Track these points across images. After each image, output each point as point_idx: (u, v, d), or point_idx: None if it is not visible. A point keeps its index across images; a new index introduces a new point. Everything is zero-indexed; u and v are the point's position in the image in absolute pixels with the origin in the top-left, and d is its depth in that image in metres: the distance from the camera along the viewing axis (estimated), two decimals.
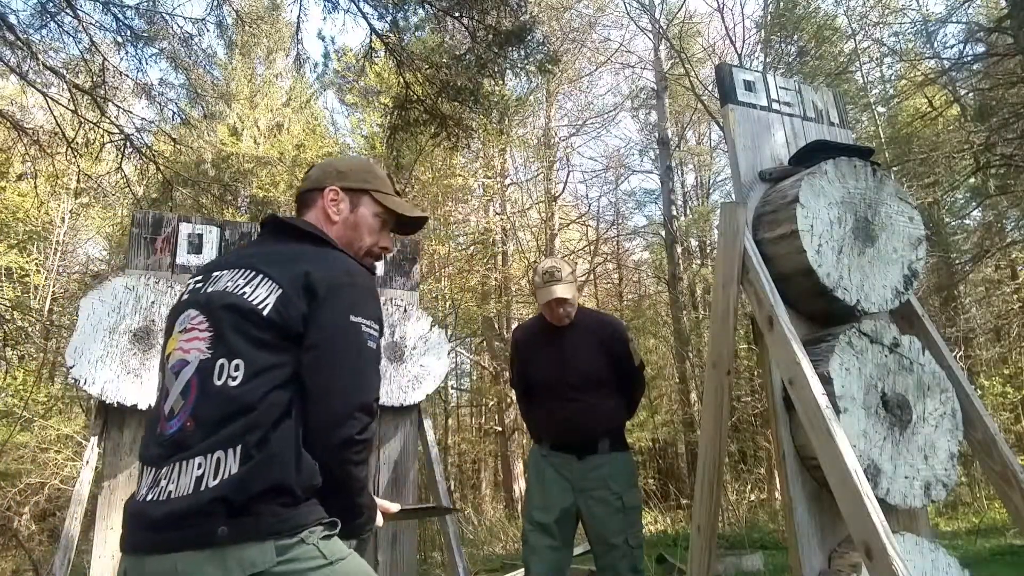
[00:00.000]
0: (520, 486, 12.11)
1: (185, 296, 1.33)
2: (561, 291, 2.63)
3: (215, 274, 1.31)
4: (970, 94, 9.66)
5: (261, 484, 1.10)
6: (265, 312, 1.19)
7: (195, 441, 1.14)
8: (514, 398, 3.51)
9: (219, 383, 1.16)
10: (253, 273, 1.25)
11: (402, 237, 2.73)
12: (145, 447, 1.24)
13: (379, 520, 1.40)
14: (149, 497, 1.15)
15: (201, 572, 1.06)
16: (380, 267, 3.44)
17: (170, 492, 1.13)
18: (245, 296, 1.22)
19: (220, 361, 1.18)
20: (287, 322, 1.19)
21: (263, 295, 1.21)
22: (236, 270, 1.28)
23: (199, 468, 1.11)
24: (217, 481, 1.10)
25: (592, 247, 15.07)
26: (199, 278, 1.34)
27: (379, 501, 1.42)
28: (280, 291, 1.21)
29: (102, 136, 5.82)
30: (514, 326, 13.39)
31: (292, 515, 1.12)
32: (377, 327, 1.28)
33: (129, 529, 1.18)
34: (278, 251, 1.32)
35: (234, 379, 1.16)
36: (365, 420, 1.19)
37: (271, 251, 1.33)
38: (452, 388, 14.91)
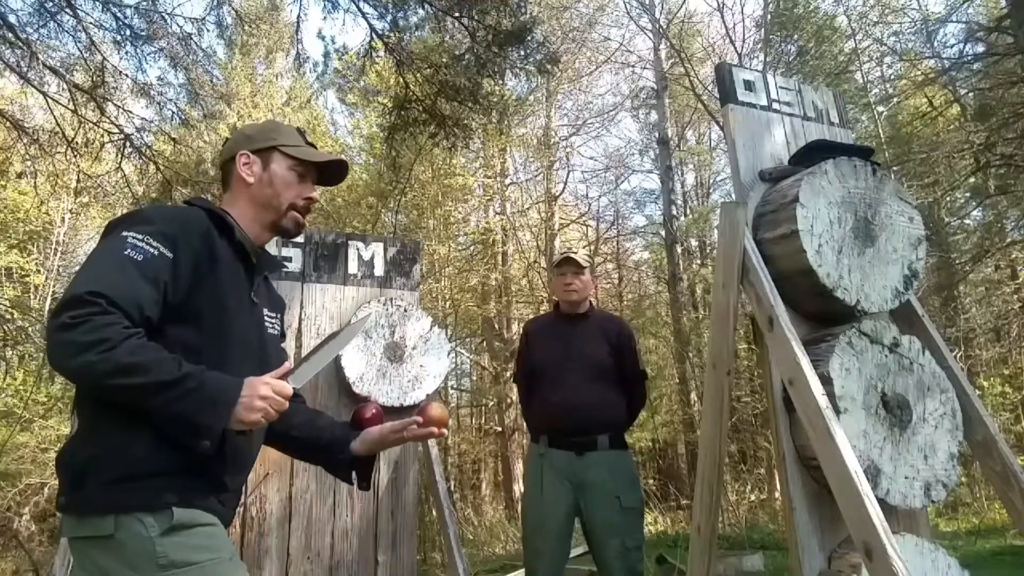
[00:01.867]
0: (520, 486, 12.11)
1: None
2: (576, 256, 2.81)
3: None
4: (970, 94, 9.66)
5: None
6: None
7: None
8: (515, 397, 3.51)
9: None
10: None
11: (404, 238, 2.73)
12: None
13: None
14: None
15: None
16: (380, 267, 3.44)
17: None
18: None
19: None
20: None
21: None
22: None
23: None
24: None
25: (592, 247, 15.07)
26: None
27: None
28: None
29: (102, 136, 5.82)
30: (515, 326, 13.42)
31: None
32: (143, 233, 1.23)
33: None
34: None
35: None
36: (72, 310, 1.12)
37: None
38: (452, 388, 14.91)
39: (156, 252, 1.22)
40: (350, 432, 1.50)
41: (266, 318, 1.47)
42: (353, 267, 3.35)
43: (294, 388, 1.27)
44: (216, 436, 1.19)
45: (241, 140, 1.50)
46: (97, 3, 5.51)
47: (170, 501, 1.18)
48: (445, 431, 1.53)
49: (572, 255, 2.83)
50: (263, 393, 1.19)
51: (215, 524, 1.25)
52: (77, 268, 1.26)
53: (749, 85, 2.33)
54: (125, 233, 1.22)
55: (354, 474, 1.51)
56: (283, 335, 1.59)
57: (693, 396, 11.92)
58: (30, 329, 10.57)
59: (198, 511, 1.22)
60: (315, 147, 1.55)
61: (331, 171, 1.56)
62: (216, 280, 1.30)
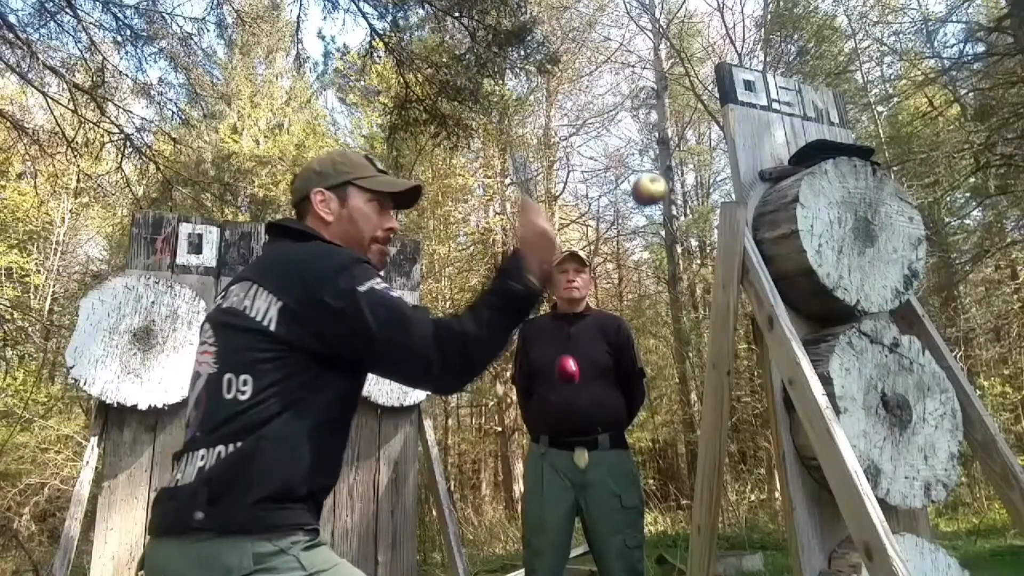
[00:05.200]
0: (520, 486, 12.10)
1: (209, 311, 1.39)
2: (579, 252, 2.81)
3: (230, 289, 1.34)
4: (970, 94, 9.66)
5: (245, 473, 1.12)
6: (272, 328, 1.20)
7: (203, 439, 1.19)
8: (514, 397, 3.52)
9: (228, 396, 1.19)
10: (251, 284, 1.26)
11: (403, 237, 2.74)
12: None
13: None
14: (165, 486, 1.24)
15: (178, 566, 1.10)
16: None
17: (178, 480, 1.19)
18: (247, 311, 1.23)
19: (227, 376, 1.20)
20: (292, 336, 1.20)
21: (263, 308, 1.22)
22: (241, 283, 1.30)
23: (202, 459, 1.16)
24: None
25: (592, 247, 15.07)
26: (221, 295, 1.38)
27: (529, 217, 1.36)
28: (280, 303, 1.21)
29: (102, 136, 5.82)
30: None
31: (270, 515, 1.12)
32: (374, 274, 1.27)
33: (151, 513, 1.28)
34: (271, 255, 1.36)
35: (243, 393, 1.18)
36: (440, 339, 1.19)
37: (266, 257, 1.36)
38: None
39: (381, 278, 1.28)
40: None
41: None
42: None
43: None
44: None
45: (313, 177, 1.45)
46: (97, 3, 5.52)
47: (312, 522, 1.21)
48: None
49: (575, 250, 2.85)
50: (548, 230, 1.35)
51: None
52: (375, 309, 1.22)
53: (749, 85, 2.33)
54: (373, 287, 1.23)
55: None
56: None
57: (693, 396, 11.92)
58: (30, 329, 10.58)
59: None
60: (387, 173, 1.52)
61: (407, 195, 1.53)
62: None
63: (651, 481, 12.67)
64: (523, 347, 2.94)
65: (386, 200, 1.47)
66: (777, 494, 9.70)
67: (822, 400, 1.70)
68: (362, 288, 1.20)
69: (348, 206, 1.43)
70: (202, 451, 1.16)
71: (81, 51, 5.64)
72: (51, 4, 5.27)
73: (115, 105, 6.01)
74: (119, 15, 5.61)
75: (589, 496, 2.61)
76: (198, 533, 1.09)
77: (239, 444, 1.14)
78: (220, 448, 1.15)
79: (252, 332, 1.21)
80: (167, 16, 5.97)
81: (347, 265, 1.24)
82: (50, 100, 5.67)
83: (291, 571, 1.10)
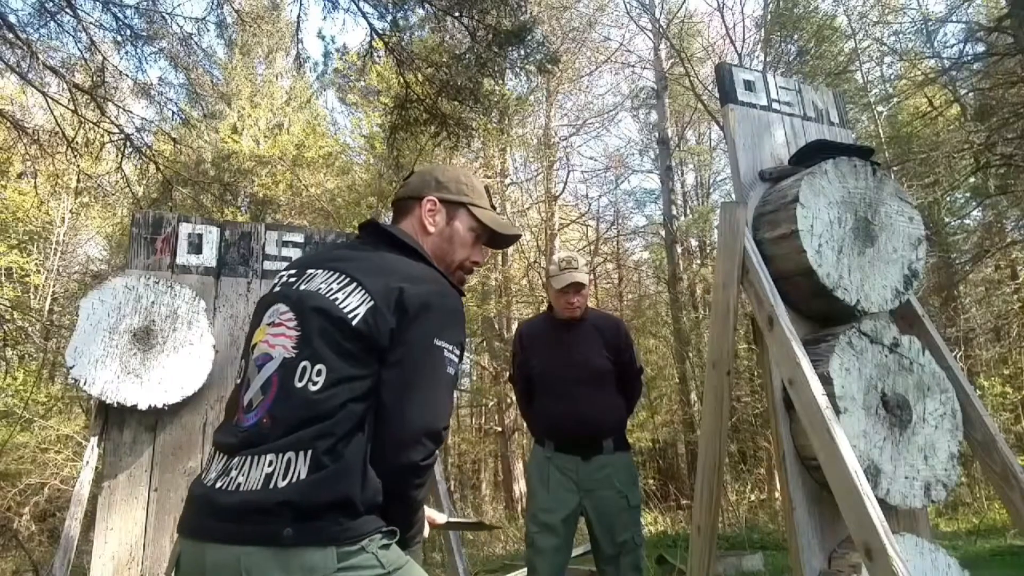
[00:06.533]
0: (520, 486, 12.10)
1: (277, 288, 1.32)
2: (580, 277, 2.71)
3: (309, 271, 1.30)
4: (970, 94, 9.66)
5: (328, 495, 1.11)
6: (354, 322, 1.18)
7: (269, 439, 1.15)
8: (514, 398, 3.51)
9: (299, 385, 1.17)
10: (347, 279, 1.24)
11: None
12: (221, 433, 1.26)
13: (426, 531, 1.38)
14: (218, 485, 1.17)
15: (263, 569, 1.08)
16: None
17: (239, 484, 1.14)
18: (337, 302, 1.21)
19: (303, 363, 1.18)
20: (374, 335, 1.18)
21: (354, 304, 1.20)
22: (331, 272, 1.27)
23: (270, 466, 1.13)
24: (286, 483, 1.11)
25: (592, 247, 15.07)
26: (292, 272, 1.34)
27: (427, 511, 1.42)
28: (372, 303, 1.20)
29: (102, 136, 5.82)
30: (515, 325, 13.41)
31: (354, 525, 1.13)
32: (458, 353, 1.26)
33: (192, 512, 1.19)
34: (375, 259, 1.31)
35: (315, 384, 1.16)
36: (431, 447, 1.19)
37: (368, 259, 1.31)
38: None
39: (458, 365, 1.26)
40: None
41: None
42: None
43: None
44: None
45: (432, 183, 1.45)
46: (97, 3, 5.52)
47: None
48: None
49: (577, 277, 2.70)
50: None
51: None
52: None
53: (749, 85, 2.33)
54: (445, 352, 1.22)
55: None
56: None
57: (693, 396, 11.92)
58: (30, 329, 10.58)
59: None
60: (495, 208, 1.54)
61: (504, 238, 1.53)
62: None
63: (651, 481, 12.67)
64: (521, 350, 2.92)
65: (484, 234, 1.48)
66: (777, 494, 9.70)
67: (822, 400, 1.70)
68: (437, 343, 1.21)
69: (452, 226, 1.44)
70: (270, 456, 1.13)
71: (81, 51, 5.64)
72: (51, 4, 5.27)
73: (115, 105, 6.01)
74: (119, 15, 5.61)
75: (597, 497, 2.61)
76: (284, 546, 1.09)
77: (309, 454, 1.12)
78: (290, 455, 1.12)
79: (336, 322, 1.19)
80: (167, 16, 5.98)
81: (448, 317, 1.24)
82: (50, 100, 5.67)
83: (371, 568, 1.12)
